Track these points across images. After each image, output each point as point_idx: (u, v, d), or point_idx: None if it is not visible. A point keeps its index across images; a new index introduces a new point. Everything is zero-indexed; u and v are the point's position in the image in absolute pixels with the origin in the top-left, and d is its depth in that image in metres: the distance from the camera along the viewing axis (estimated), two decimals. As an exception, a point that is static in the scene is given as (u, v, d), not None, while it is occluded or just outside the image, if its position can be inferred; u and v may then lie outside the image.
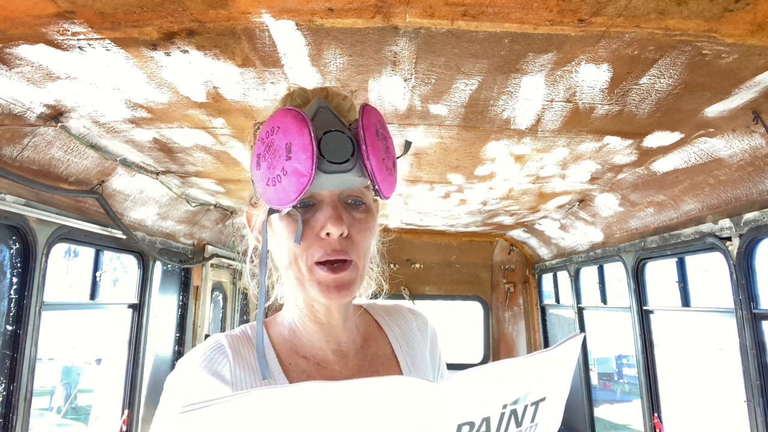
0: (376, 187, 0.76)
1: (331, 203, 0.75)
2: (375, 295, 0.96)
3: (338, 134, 0.74)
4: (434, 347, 0.98)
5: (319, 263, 0.75)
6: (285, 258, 0.79)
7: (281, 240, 0.78)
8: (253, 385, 0.78)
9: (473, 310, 5.74)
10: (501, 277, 5.53)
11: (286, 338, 0.86)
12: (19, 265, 2.15)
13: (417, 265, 5.50)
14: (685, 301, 2.98)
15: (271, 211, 0.77)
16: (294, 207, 0.75)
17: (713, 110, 1.84)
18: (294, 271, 0.78)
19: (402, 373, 0.88)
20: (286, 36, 1.40)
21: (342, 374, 0.84)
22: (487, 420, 0.55)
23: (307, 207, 0.77)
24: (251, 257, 0.93)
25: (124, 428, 3.06)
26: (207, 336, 4.06)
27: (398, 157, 0.85)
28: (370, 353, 0.89)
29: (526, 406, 0.58)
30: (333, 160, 0.73)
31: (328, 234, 0.74)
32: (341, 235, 0.74)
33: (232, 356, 0.80)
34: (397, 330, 0.95)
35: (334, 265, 0.75)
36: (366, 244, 0.80)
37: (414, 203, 3.82)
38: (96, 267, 2.91)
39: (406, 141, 0.89)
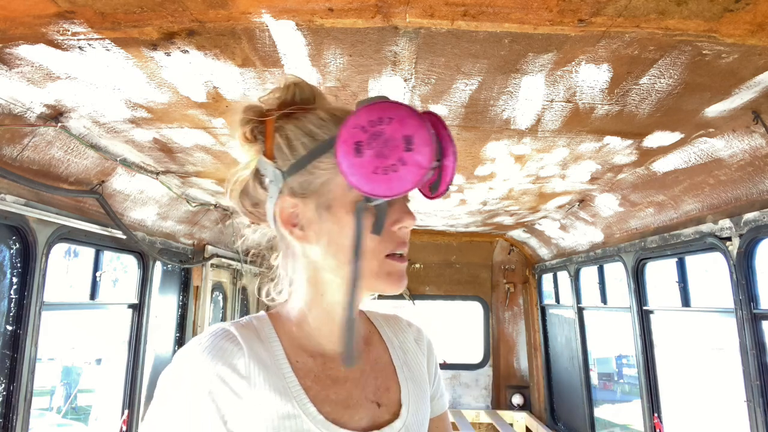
0: (448, 183, 0.79)
1: (404, 198, 0.78)
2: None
3: (433, 134, 0.75)
4: (431, 358, 0.98)
5: (389, 255, 0.78)
6: (349, 251, 0.76)
7: (351, 231, 0.76)
8: (268, 384, 0.75)
9: (473, 310, 5.74)
10: (501, 277, 5.53)
11: (293, 334, 0.84)
12: (19, 265, 2.15)
13: (417, 265, 5.50)
14: (685, 302, 2.98)
15: (367, 199, 0.76)
16: (382, 201, 0.75)
17: (713, 110, 1.84)
18: (366, 261, 0.77)
19: (399, 382, 0.88)
20: (286, 36, 1.40)
21: (348, 375, 0.83)
22: None
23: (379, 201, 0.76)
24: (281, 256, 0.91)
25: (124, 428, 3.06)
26: (207, 336, 4.06)
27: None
28: (372, 358, 0.89)
29: None
30: (437, 158, 0.76)
31: (402, 228, 0.78)
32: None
33: (247, 349, 0.77)
34: (395, 340, 0.95)
35: (401, 256, 0.79)
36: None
37: (414, 203, 3.81)
38: (96, 267, 2.91)
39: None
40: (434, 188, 0.80)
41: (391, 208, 0.77)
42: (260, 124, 0.83)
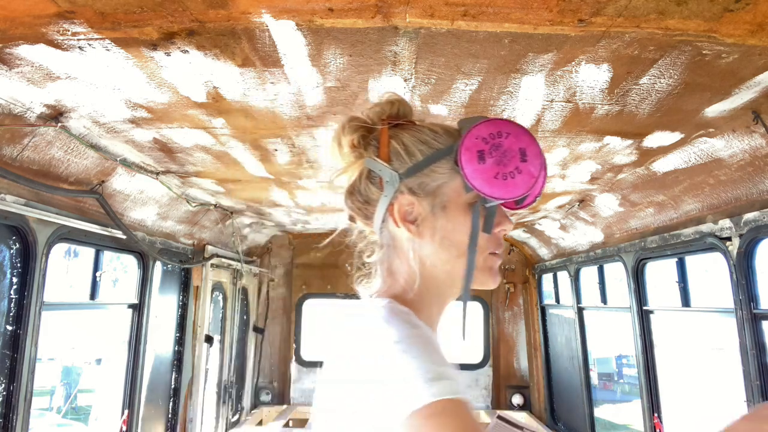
0: (537, 199, 0.94)
1: (502, 207, 0.91)
2: None
3: None
4: None
5: (491, 254, 0.90)
6: (466, 244, 0.87)
7: (468, 228, 0.87)
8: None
9: (473, 310, 5.74)
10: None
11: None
12: (19, 265, 2.15)
13: None
14: (685, 302, 2.98)
15: (483, 201, 0.88)
16: (493, 204, 0.88)
17: (713, 110, 1.84)
18: (469, 258, 0.87)
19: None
20: (286, 36, 1.40)
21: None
22: None
23: (487, 207, 0.89)
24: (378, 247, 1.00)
25: (124, 428, 3.06)
26: (207, 336, 4.06)
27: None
28: None
29: None
30: None
31: (502, 230, 0.91)
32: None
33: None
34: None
35: (498, 255, 0.92)
36: None
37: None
38: (96, 267, 2.91)
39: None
40: (520, 201, 0.91)
41: (496, 213, 0.89)
42: (368, 133, 0.95)
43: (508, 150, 0.86)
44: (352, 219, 1.04)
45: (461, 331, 0.91)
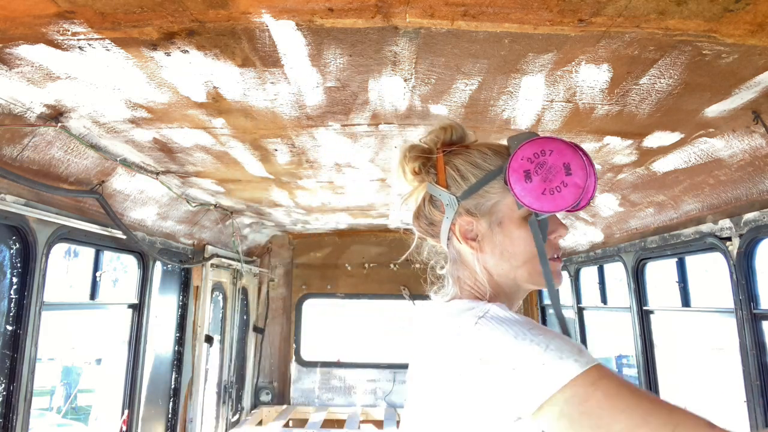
0: (589, 203, 1.01)
1: (558, 215, 0.99)
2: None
3: None
4: None
5: (551, 259, 0.97)
6: (524, 254, 0.96)
7: (525, 240, 0.96)
8: None
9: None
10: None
11: None
12: (19, 265, 2.15)
13: (417, 265, 5.49)
14: (685, 301, 2.98)
15: (535, 215, 0.96)
16: (545, 215, 0.96)
17: (713, 110, 1.84)
18: (531, 267, 0.96)
19: None
20: (286, 36, 1.40)
21: None
22: None
23: (541, 219, 0.98)
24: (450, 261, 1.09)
25: (124, 428, 3.06)
26: (207, 336, 4.06)
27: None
28: None
29: None
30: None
31: (558, 237, 0.99)
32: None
33: None
34: None
35: (558, 258, 0.99)
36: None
37: (414, 203, 3.81)
38: (96, 267, 2.91)
39: None
40: (576, 204, 0.97)
41: (550, 221, 0.98)
42: (427, 160, 1.05)
43: (552, 166, 0.94)
44: (422, 237, 1.14)
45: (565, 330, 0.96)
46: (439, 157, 1.04)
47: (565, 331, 0.94)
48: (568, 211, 0.99)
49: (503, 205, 0.98)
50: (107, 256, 3.03)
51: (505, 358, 0.79)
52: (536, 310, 5.30)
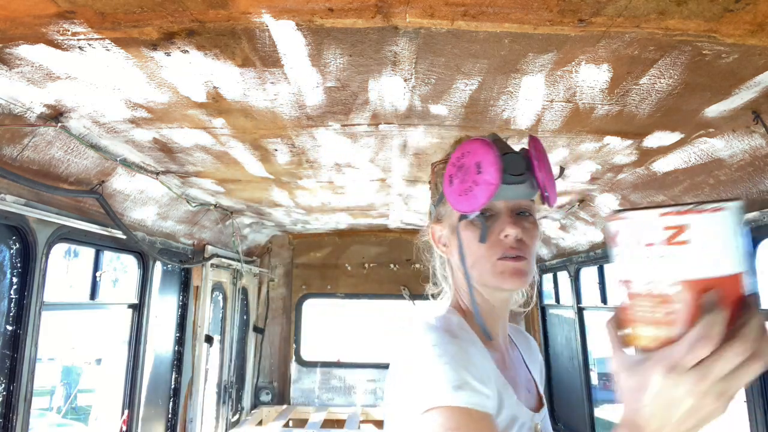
0: (546, 194, 0.96)
1: (507, 212, 0.97)
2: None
3: (515, 155, 0.97)
4: (542, 366, 1.20)
5: (500, 259, 0.96)
6: (470, 258, 0.98)
7: (469, 244, 0.98)
8: (485, 360, 0.93)
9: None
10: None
11: (473, 325, 1.03)
12: (19, 265, 2.15)
13: (417, 265, 5.49)
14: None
15: (461, 217, 0.98)
16: (477, 215, 0.96)
17: (713, 110, 1.84)
18: (479, 268, 0.97)
19: (535, 379, 1.11)
20: (286, 36, 1.40)
21: (510, 363, 1.05)
22: None
23: (487, 217, 0.97)
24: (438, 264, 1.16)
25: (124, 428, 3.06)
26: (207, 336, 4.06)
27: (556, 179, 1.05)
28: (514, 356, 1.10)
29: None
30: (513, 173, 0.95)
31: (506, 236, 0.95)
32: (516, 237, 0.95)
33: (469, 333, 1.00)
34: (524, 344, 1.18)
35: (514, 258, 0.96)
36: (534, 248, 0.99)
37: (414, 203, 3.82)
38: (96, 267, 2.91)
39: (561, 167, 1.10)
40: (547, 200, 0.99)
41: (497, 220, 0.97)
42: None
43: (467, 167, 0.96)
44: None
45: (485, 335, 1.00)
46: (431, 170, 1.12)
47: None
48: (550, 206, 1.00)
49: (451, 211, 1.03)
50: (107, 256, 3.03)
51: (407, 365, 0.88)
52: (536, 310, 5.30)
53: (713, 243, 0.53)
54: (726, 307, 0.53)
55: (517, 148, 1.04)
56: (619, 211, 0.59)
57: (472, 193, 0.93)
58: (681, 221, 0.53)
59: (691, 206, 0.53)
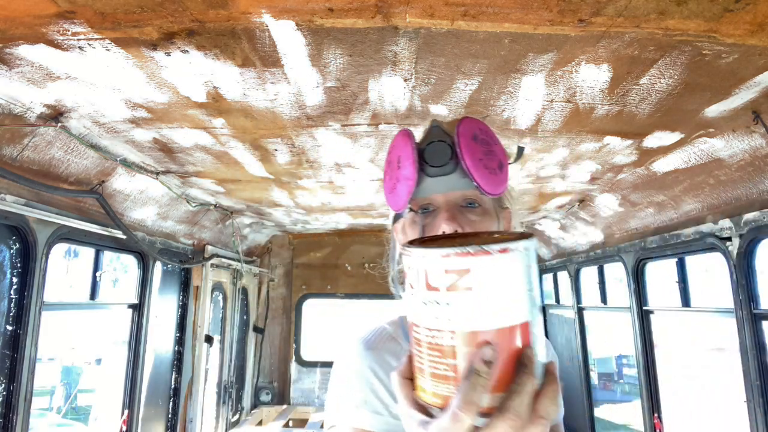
0: (475, 183, 0.84)
1: (446, 206, 0.88)
2: None
3: (439, 143, 0.88)
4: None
5: None
6: None
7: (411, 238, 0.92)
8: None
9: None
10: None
11: None
12: (19, 265, 2.15)
13: None
14: (685, 302, 2.98)
15: (396, 217, 0.94)
16: (415, 212, 0.90)
17: (713, 110, 1.84)
18: (394, 269, 0.95)
19: None
20: (286, 36, 1.40)
21: None
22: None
23: (428, 212, 0.90)
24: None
25: (124, 428, 3.06)
26: (207, 336, 4.06)
27: (512, 163, 0.95)
28: None
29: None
30: (434, 164, 0.86)
31: (443, 232, 0.85)
32: (455, 232, 0.85)
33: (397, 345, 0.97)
34: None
35: None
36: None
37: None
38: (96, 267, 2.91)
39: (519, 146, 0.99)
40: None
41: (436, 216, 0.89)
42: None
43: (392, 163, 0.90)
44: None
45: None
46: None
47: None
48: (487, 193, 0.88)
49: None
50: (107, 256, 3.03)
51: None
52: (536, 310, 5.30)
53: (495, 290, 0.47)
54: (500, 365, 0.46)
55: (516, 146, 1.00)
56: (412, 242, 0.53)
57: (396, 191, 0.88)
58: (463, 265, 0.46)
59: (475, 248, 0.46)
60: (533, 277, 0.49)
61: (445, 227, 0.85)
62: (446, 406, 0.48)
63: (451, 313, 0.47)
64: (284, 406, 5.28)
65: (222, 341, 4.65)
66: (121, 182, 2.66)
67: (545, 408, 0.48)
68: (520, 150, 0.98)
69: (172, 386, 3.72)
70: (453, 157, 0.85)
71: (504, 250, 0.47)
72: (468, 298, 0.47)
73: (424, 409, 0.51)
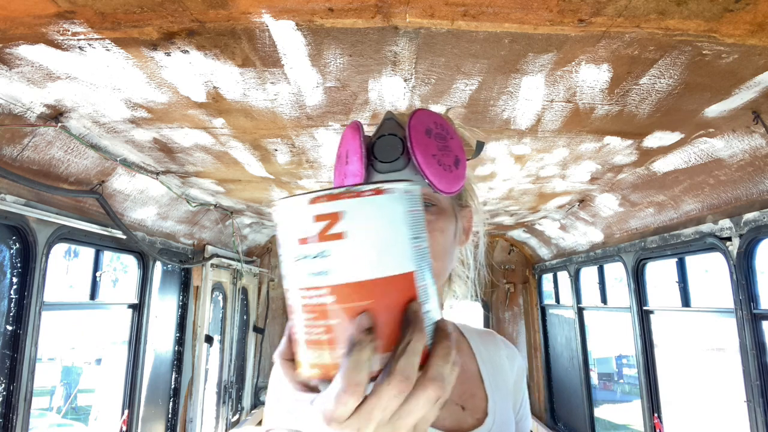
0: (427, 181, 0.77)
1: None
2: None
3: (389, 137, 0.81)
4: (519, 380, 0.99)
5: None
6: None
7: None
8: None
9: (473, 310, 5.74)
10: (501, 277, 5.53)
11: None
12: (19, 265, 2.15)
13: None
14: (685, 302, 2.98)
15: None
16: None
17: (713, 110, 1.84)
18: None
19: (486, 390, 0.91)
20: (286, 36, 1.40)
21: None
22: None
23: None
24: None
25: (124, 428, 3.06)
26: (207, 336, 4.06)
27: (470, 159, 0.87)
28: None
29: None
30: (383, 159, 0.79)
31: None
32: None
33: None
34: (485, 352, 0.97)
35: None
36: (437, 243, 0.80)
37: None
38: (96, 267, 2.91)
39: (478, 141, 0.91)
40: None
41: None
42: None
43: (340, 157, 0.83)
44: None
45: None
46: None
47: None
48: (440, 191, 0.80)
49: None
50: (107, 256, 3.03)
51: None
52: (536, 310, 5.30)
53: (371, 235, 0.41)
54: (383, 322, 0.40)
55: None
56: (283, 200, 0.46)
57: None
58: (334, 208, 0.41)
59: (347, 189, 0.41)
60: (418, 225, 0.44)
61: None
62: (327, 376, 0.42)
63: (323, 265, 0.41)
64: (284, 406, 5.27)
65: (222, 341, 4.65)
66: (121, 182, 2.66)
67: (437, 369, 0.42)
68: (480, 145, 0.91)
69: (172, 386, 3.72)
70: (404, 152, 0.79)
71: (378, 191, 0.41)
72: (341, 246, 0.41)
73: (309, 387, 0.45)
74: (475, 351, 0.96)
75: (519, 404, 0.98)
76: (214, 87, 1.73)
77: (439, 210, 0.82)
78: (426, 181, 0.77)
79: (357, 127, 0.81)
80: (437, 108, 1.92)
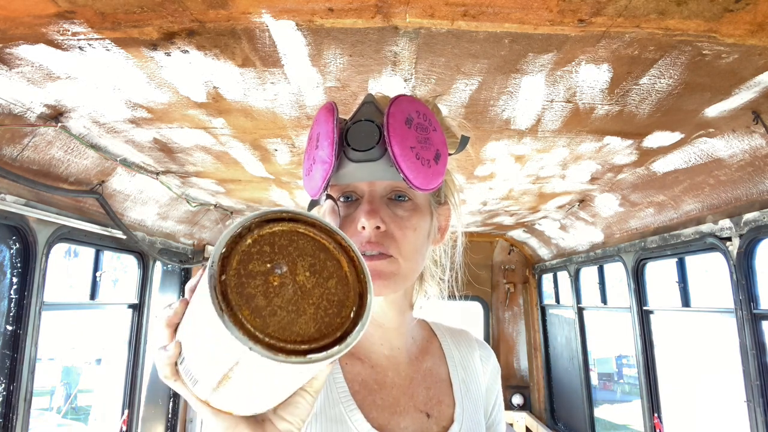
0: (402, 175, 0.71)
1: (368, 197, 0.74)
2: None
3: (366, 123, 0.74)
4: (493, 382, 0.95)
5: None
6: None
7: None
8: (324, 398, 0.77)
9: (473, 310, 5.74)
10: (501, 277, 5.53)
11: None
12: (19, 265, 2.15)
13: None
14: (685, 302, 2.98)
15: (312, 203, 0.78)
16: (334, 200, 0.76)
17: (713, 110, 1.84)
18: None
19: (454, 396, 0.86)
20: (286, 36, 1.40)
21: (395, 381, 0.82)
22: None
23: (350, 202, 0.76)
24: None
25: (124, 428, 3.06)
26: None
27: (452, 154, 0.82)
28: (425, 368, 0.87)
29: None
30: (357, 147, 0.72)
31: (362, 227, 0.72)
32: (377, 228, 0.72)
33: None
34: (457, 354, 0.92)
35: (374, 255, 0.72)
36: (409, 242, 0.75)
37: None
38: (96, 267, 2.91)
39: (463, 136, 0.85)
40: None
41: (357, 209, 0.75)
42: None
43: (311, 140, 0.77)
44: None
45: None
46: None
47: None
48: (415, 188, 0.73)
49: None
50: (107, 256, 3.03)
51: None
52: (536, 310, 5.30)
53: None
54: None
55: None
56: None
57: (312, 174, 0.75)
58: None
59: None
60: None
61: (363, 221, 0.71)
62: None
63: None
64: (284, 406, 5.27)
65: (222, 341, 4.65)
66: (121, 182, 2.66)
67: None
68: (464, 140, 0.84)
69: (172, 386, 3.72)
70: (381, 141, 0.72)
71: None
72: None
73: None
74: (446, 353, 0.91)
75: (491, 408, 0.94)
76: (214, 87, 1.73)
77: (414, 206, 0.77)
78: (401, 175, 0.71)
79: (331, 108, 0.75)
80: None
